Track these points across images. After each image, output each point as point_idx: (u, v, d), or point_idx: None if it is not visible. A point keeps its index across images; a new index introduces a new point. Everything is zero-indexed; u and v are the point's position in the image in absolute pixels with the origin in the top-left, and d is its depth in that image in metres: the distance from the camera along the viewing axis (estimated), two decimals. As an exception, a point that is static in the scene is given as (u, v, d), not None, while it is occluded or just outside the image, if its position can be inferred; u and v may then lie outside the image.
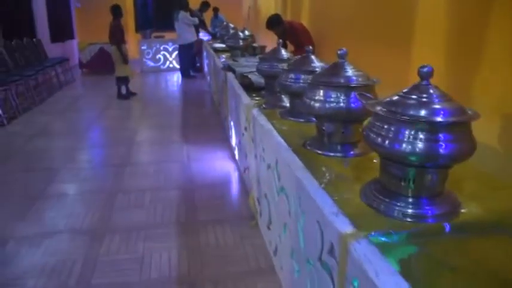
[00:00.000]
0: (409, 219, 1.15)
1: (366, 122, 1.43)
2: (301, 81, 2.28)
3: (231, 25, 7.55)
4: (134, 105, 6.40)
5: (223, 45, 6.47)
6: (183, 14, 8.17)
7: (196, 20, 8.55)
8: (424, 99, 1.11)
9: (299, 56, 2.41)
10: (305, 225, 1.42)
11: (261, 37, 7.57)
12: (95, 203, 3.03)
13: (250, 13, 9.82)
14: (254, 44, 5.82)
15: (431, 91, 1.13)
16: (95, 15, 10.87)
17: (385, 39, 3.19)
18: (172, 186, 3.30)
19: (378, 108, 1.19)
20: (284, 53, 3.02)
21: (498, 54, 1.92)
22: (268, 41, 7.41)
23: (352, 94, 1.65)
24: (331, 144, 1.80)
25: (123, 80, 6.69)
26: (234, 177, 3.47)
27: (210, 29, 9.92)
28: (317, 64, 2.30)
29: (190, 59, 8.85)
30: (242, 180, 3.26)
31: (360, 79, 1.67)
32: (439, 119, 1.07)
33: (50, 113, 5.85)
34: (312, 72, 2.24)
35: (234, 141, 3.68)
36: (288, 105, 2.64)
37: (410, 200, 1.19)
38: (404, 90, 1.17)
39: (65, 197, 3.18)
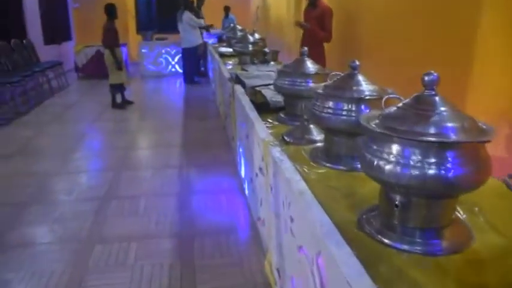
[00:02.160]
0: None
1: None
2: (344, 113, 1.58)
3: (239, 27, 6.86)
4: (129, 116, 5.71)
5: (230, 50, 5.78)
6: (187, 15, 7.50)
7: (202, 21, 7.87)
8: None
9: (341, 74, 1.71)
10: None
11: (271, 40, 6.87)
12: (64, 259, 2.34)
13: (259, 14, 9.12)
14: (265, 49, 5.12)
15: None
16: (94, 15, 10.16)
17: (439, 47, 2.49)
18: (165, 233, 2.60)
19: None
20: (311, 65, 2.34)
21: None
22: (280, 45, 6.70)
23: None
24: (405, 228, 1.10)
25: (118, 88, 6.01)
26: (244, 222, 2.76)
27: (219, 30, 9.25)
28: (368, 87, 1.59)
29: (194, 63, 8.17)
30: (254, 229, 2.55)
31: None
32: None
33: (33, 125, 5.18)
34: (361, 100, 1.55)
35: (243, 172, 2.97)
36: (317, 138, 1.96)
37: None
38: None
39: (28, 248, 2.49)
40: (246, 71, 4.00)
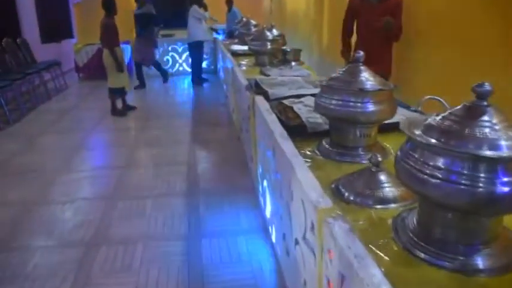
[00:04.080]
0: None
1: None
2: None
3: (253, 21, 6.15)
4: (130, 125, 5.04)
5: (244, 48, 5.07)
6: (193, 8, 6.90)
7: (207, 14, 7.18)
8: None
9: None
10: None
11: (290, 37, 6.13)
12: None
13: (273, 7, 8.38)
14: (285, 48, 4.42)
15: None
16: (97, 11, 9.51)
17: None
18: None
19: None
20: (369, 77, 1.65)
21: None
22: (298, 42, 5.96)
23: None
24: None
25: (118, 92, 5.35)
26: None
27: (224, 25, 8.62)
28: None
29: (199, 60, 7.49)
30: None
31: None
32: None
33: (21, 137, 4.54)
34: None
35: (269, 212, 2.27)
36: (392, 194, 1.29)
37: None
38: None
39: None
40: (267, 75, 3.29)
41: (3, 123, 4.94)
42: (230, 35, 7.99)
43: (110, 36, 5.06)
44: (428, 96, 1.08)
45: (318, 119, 2.02)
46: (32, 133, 4.69)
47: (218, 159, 3.79)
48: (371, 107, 1.58)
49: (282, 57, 4.31)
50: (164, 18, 9.90)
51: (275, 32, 4.63)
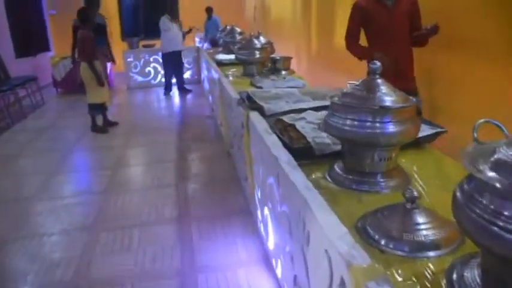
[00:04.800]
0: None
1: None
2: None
3: (238, 29, 5.93)
4: (112, 142, 4.72)
5: (231, 57, 4.84)
6: (161, 19, 6.99)
7: (174, 26, 7.06)
8: None
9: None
10: None
11: (276, 45, 5.91)
12: None
13: (257, 14, 8.18)
14: (274, 56, 4.21)
15: None
16: (74, 22, 9.20)
17: None
18: None
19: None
20: (389, 90, 1.44)
21: None
22: (284, 49, 5.75)
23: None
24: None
25: (98, 108, 5.04)
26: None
27: (203, 34, 8.48)
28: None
29: (169, 72, 7.37)
30: None
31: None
32: None
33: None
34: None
35: (272, 244, 2.02)
36: (435, 236, 1.07)
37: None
38: None
39: None
40: (259, 87, 3.06)
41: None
42: (213, 43, 7.76)
43: (88, 49, 4.76)
44: (483, 120, 0.85)
45: (326, 138, 1.80)
46: (6, 156, 4.34)
47: (208, 179, 3.53)
48: (392, 127, 1.37)
49: (272, 65, 4.10)
50: (146, 29, 9.65)
51: (262, 39, 4.40)
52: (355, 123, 1.39)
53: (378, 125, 1.37)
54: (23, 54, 7.81)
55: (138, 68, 8.12)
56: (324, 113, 2.18)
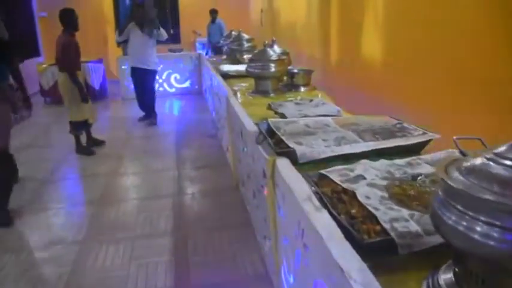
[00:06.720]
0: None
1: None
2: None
3: (245, 35, 5.22)
4: (98, 168, 3.98)
5: (239, 68, 4.15)
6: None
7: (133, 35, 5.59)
8: None
9: None
10: None
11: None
12: None
13: (264, 18, 7.49)
14: (291, 68, 3.52)
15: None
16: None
17: None
18: None
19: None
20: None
21: None
22: (301, 60, 5.02)
23: None
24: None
25: (82, 126, 4.33)
26: None
27: (205, 39, 7.82)
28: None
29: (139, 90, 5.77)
30: None
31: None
32: None
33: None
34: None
35: None
36: None
37: None
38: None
39: None
40: (280, 113, 2.32)
41: None
42: (216, 50, 7.08)
43: (69, 57, 4.06)
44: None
45: (410, 222, 1.10)
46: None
47: (216, 225, 2.79)
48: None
49: (289, 80, 3.42)
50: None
51: (277, 49, 3.70)
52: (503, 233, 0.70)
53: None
54: (7, 60, 7.10)
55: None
56: (387, 163, 1.48)
